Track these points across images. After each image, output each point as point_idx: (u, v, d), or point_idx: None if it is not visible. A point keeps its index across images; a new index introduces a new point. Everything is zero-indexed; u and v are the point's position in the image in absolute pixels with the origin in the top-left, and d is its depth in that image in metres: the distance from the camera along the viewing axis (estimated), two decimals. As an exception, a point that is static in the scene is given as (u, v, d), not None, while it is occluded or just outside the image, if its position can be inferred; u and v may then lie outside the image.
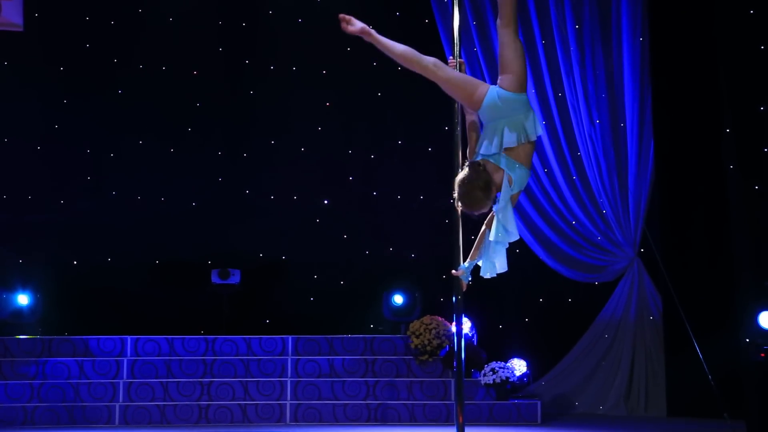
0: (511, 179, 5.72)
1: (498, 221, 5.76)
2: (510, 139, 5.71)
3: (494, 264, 5.93)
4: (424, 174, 12.14)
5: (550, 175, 11.74)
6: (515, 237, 5.81)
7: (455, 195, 5.74)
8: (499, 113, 5.73)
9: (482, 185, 5.68)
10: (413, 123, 12.34)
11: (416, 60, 5.80)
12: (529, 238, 11.70)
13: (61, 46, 12.34)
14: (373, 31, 5.82)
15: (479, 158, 5.78)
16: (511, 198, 5.76)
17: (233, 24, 12.63)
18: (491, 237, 5.81)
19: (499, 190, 5.76)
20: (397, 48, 5.80)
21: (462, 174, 5.75)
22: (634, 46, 11.55)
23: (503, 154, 5.73)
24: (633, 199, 11.51)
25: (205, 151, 12.49)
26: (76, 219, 12.25)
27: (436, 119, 11.00)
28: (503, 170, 5.72)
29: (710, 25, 11.21)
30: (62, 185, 12.32)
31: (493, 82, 5.78)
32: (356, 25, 5.84)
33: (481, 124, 5.92)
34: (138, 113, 12.38)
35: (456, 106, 6.18)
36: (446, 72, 5.84)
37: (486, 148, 5.77)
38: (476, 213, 5.78)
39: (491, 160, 5.74)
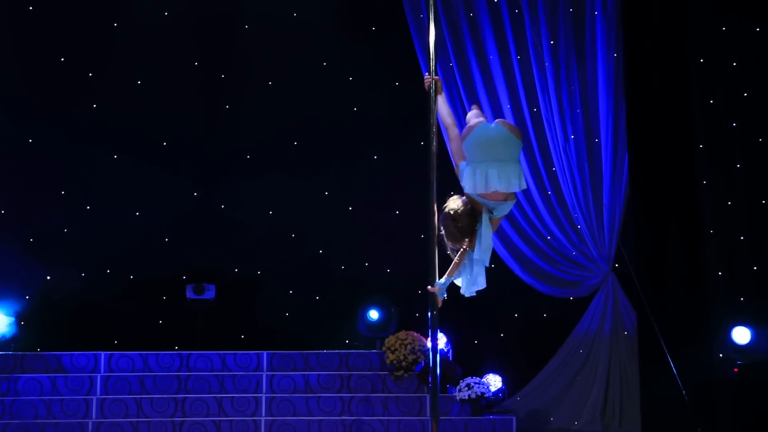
0: (492, 210, 5.75)
1: (478, 240, 5.78)
2: (492, 184, 5.71)
3: (474, 283, 5.95)
4: (399, 189, 12.13)
5: (525, 190, 11.75)
6: (485, 263, 5.83)
7: (442, 218, 5.77)
8: (489, 150, 5.74)
9: (462, 227, 5.72)
10: (389, 138, 12.34)
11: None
12: (504, 254, 11.74)
13: (36, 59, 12.27)
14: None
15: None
16: (491, 221, 5.78)
17: (209, 38, 12.59)
18: (475, 254, 5.83)
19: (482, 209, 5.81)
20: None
21: (453, 205, 5.78)
22: (609, 62, 11.63)
23: (481, 197, 5.76)
24: (607, 214, 11.56)
25: (180, 166, 12.42)
26: (50, 233, 12.16)
27: (412, 134, 11.04)
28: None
29: (683, 41, 11.30)
30: (36, 199, 12.20)
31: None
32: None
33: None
34: (113, 127, 12.30)
35: (431, 120, 6.19)
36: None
37: (469, 186, 5.78)
38: (450, 238, 5.81)
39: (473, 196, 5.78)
